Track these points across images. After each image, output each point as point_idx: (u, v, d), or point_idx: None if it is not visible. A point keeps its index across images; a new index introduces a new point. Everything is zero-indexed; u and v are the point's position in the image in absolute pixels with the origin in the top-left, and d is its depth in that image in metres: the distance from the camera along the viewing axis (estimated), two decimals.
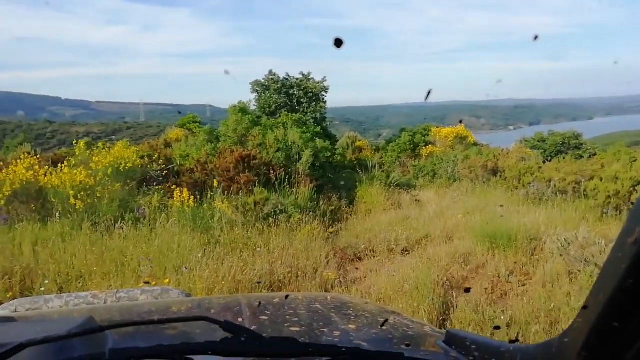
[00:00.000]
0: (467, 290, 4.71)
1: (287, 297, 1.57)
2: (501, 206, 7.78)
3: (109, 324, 0.99)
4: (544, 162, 12.31)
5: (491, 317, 3.75)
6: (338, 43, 0.80)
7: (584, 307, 0.64)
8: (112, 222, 6.29)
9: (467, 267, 5.24)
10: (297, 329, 1.22)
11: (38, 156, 8.69)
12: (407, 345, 1.08)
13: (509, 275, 4.84)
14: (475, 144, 18.02)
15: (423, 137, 18.41)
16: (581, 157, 16.85)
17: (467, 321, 3.76)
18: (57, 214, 6.41)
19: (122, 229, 6.06)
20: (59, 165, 7.32)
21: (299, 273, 5.08)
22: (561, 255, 4.72)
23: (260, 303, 1.50)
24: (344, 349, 0.87)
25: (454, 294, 4.32)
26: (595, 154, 16.21)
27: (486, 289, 4.51)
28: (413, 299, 4.10)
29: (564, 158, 13.46)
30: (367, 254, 6.23)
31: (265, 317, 1.34)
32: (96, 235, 5.86)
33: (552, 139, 19.88)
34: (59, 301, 1.91)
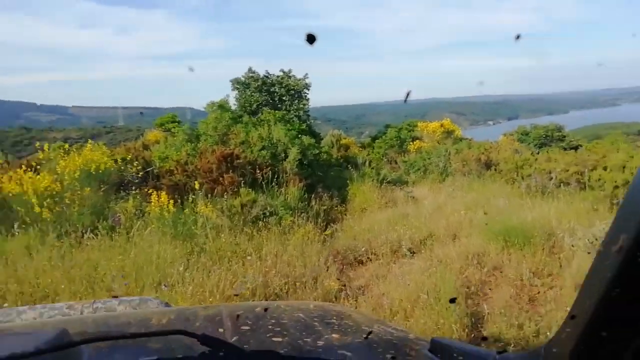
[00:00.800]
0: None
1: (266, 310, 1.50)
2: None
3: (83, 337, 0.97)
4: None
5: (534, 332, 3.20)
6: (310, 39, 0.79)
7: (572, 317, 0.62)
8: (83, 232, 5.62)
9: (483, 269, 4.70)
10: (280, 339, 1.18)
11: (4, 161, 7.90)
12: (393, 358, 1.08)
13: (532, 277, 4.34)
14: (461, 139, 17.80)
15: (409, 133, 18.14)
16: (565, 149, 16.83)
17: (507, 338, 3.18)
18: (16, 225, 5.68)
19: (94, 239, 5.40)
20: (18, 169, 6.57)
21: (297, 283, 4.48)
22: (589, 252, 4.25)
23: (239, 314, 1.48)
24: None
25: (479, 302, 3.78)
26: (579, 146, 16.13)
27: (511, 295, 3.97)
28: (438, 314, 3.47)
29: (549, 150, 13.28)
30: (369, 257, 5.67)
31: (247, 327, 1.29)
32: (65, 248, 5.19)
33: (536, 132, 19.93)
34: (32, 313, 1.81)
